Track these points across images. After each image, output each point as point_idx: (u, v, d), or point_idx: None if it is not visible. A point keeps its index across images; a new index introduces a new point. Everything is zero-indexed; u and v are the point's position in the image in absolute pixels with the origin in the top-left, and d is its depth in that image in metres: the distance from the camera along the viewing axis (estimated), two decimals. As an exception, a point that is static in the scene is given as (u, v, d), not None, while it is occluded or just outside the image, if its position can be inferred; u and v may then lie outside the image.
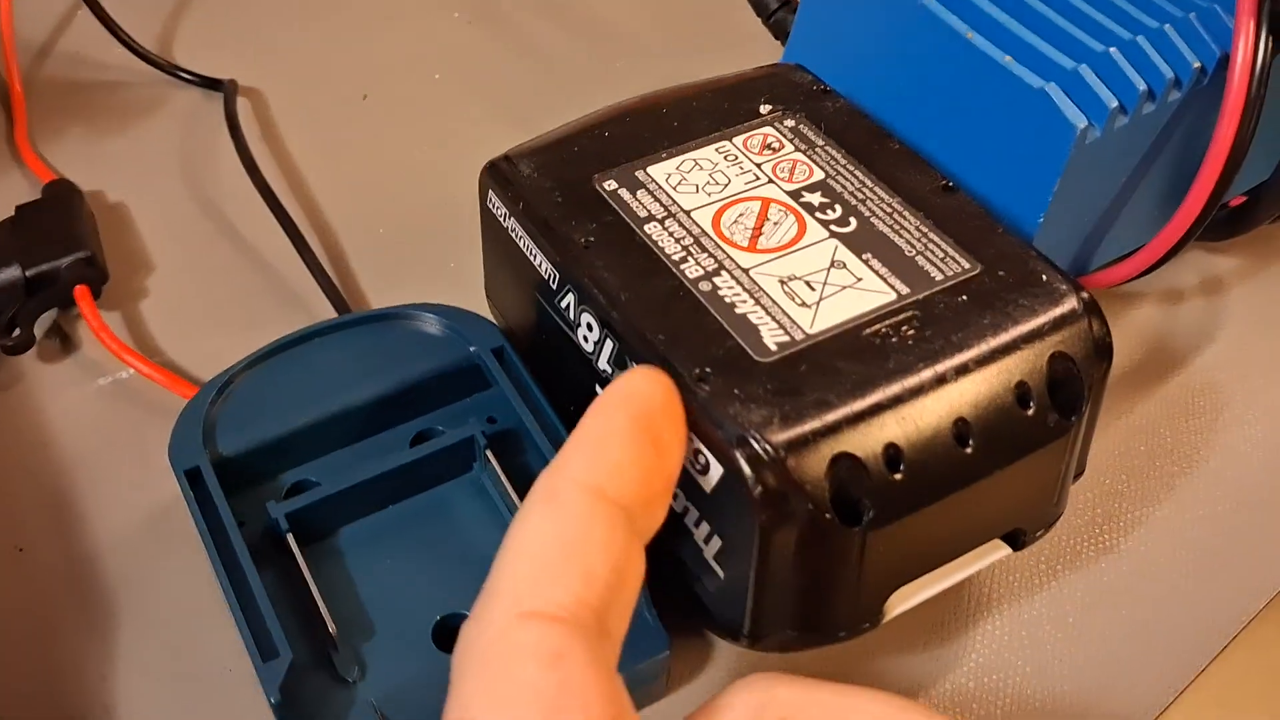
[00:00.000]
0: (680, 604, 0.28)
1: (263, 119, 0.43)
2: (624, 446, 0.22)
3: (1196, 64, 0.32)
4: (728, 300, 0.26)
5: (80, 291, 0.36)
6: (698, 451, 0.25)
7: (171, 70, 0.44)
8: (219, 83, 0.44)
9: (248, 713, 0.29)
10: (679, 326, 0.26)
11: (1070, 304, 0.26)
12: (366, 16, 0.48)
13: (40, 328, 0.37)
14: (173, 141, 0.42)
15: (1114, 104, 0.31)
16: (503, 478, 0.29)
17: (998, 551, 0.28)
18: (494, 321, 0.33)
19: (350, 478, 0.29)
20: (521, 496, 0.29)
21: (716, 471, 0.25)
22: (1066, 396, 0.26)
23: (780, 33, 0.41)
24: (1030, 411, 0.26)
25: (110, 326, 0.36)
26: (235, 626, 0.30)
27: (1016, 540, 0.28)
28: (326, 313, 0.37)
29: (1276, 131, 0.34)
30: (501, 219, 0.31)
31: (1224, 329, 0.38)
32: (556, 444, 0.30)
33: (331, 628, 0.27)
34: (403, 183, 0.42)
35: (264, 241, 0.39)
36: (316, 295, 0.37)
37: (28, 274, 0.36)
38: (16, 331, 0.35)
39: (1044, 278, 0.27)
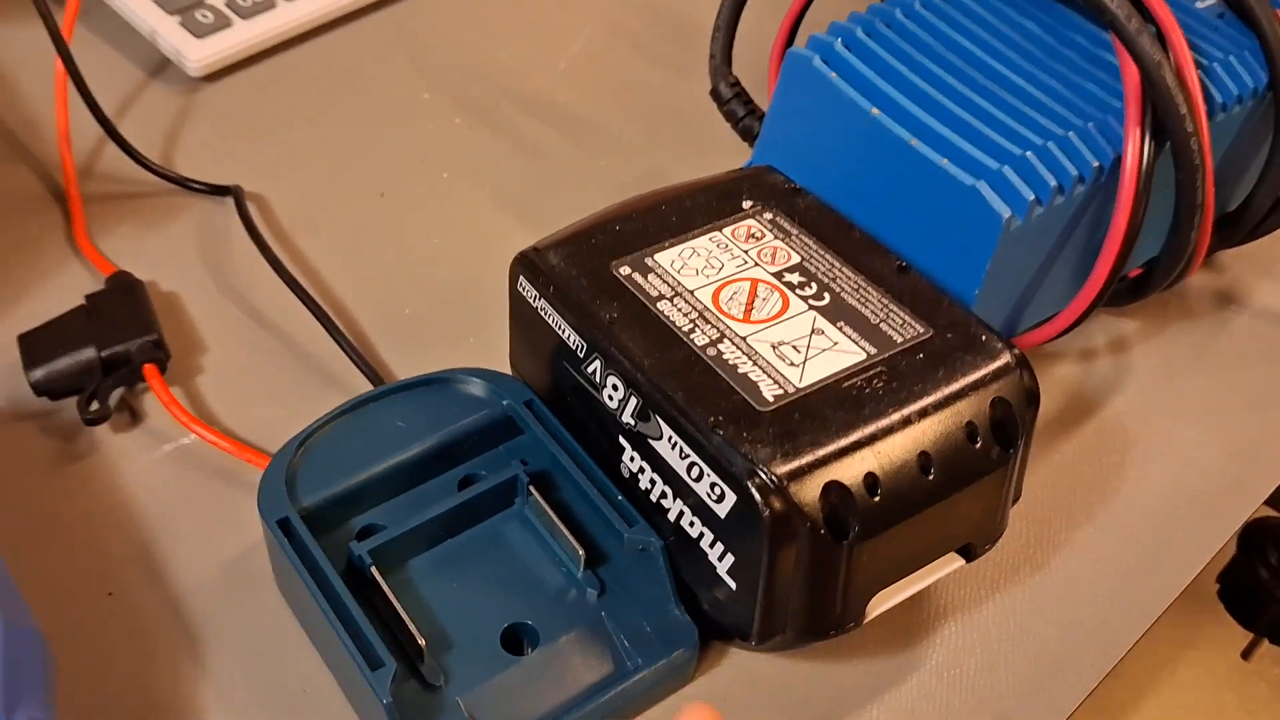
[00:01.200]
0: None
1: (287, 218, 0.49)
2: None
3: (1096, 164, 0.39)
4: (731, 362, 0.33)
5: (150, 369, 0.41)
6: (714, 484, 0.31)
7: (183, 182, 0.49)
8: (227, 189, 0.49)
9: (327, 724, 0.34)
10: (694, 385, 0.32)
11: (1006, 359, 0.33)
12: (376, 123, 0.53)
13: (112, 401, 0.41)
14: (202, 240, 0.48)
15: (1032, 197, 0.38)
16: (546, 507, 0.35)
17: (955, 562, 0.34)
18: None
19: (415, 518, 0.35)
20: (564, 522, 0.35)
21: (730, 499, 0.31)
22: (1005, 433, 0.33)
23: (748, 136, 0.48)
24: (978, 445, 0.32)
25: (176, 399, 0.41)
26: (317, 651, 0.35)
27: (969, 553, 0.34)
28: (361, 385, 0.42)
29: (1164, 215, 0.41)
30: (531, 300, 0.37)
31: (1130, 380, 0.45)
32: (589, 477, 0.35)
33: (420, 640, 0.32)
34: (423, 269, 0.47)
35: (300, 325, 0.44)
36: (351, 370, 0.43)
37: (103, 355, 0.41)
38: (95, 405, 0.40)
39: (984, 339, 0.34)
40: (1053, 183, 0.38)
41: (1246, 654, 0.78)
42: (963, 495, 0.32)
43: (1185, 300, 0.49)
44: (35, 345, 0.41)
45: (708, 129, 0.51)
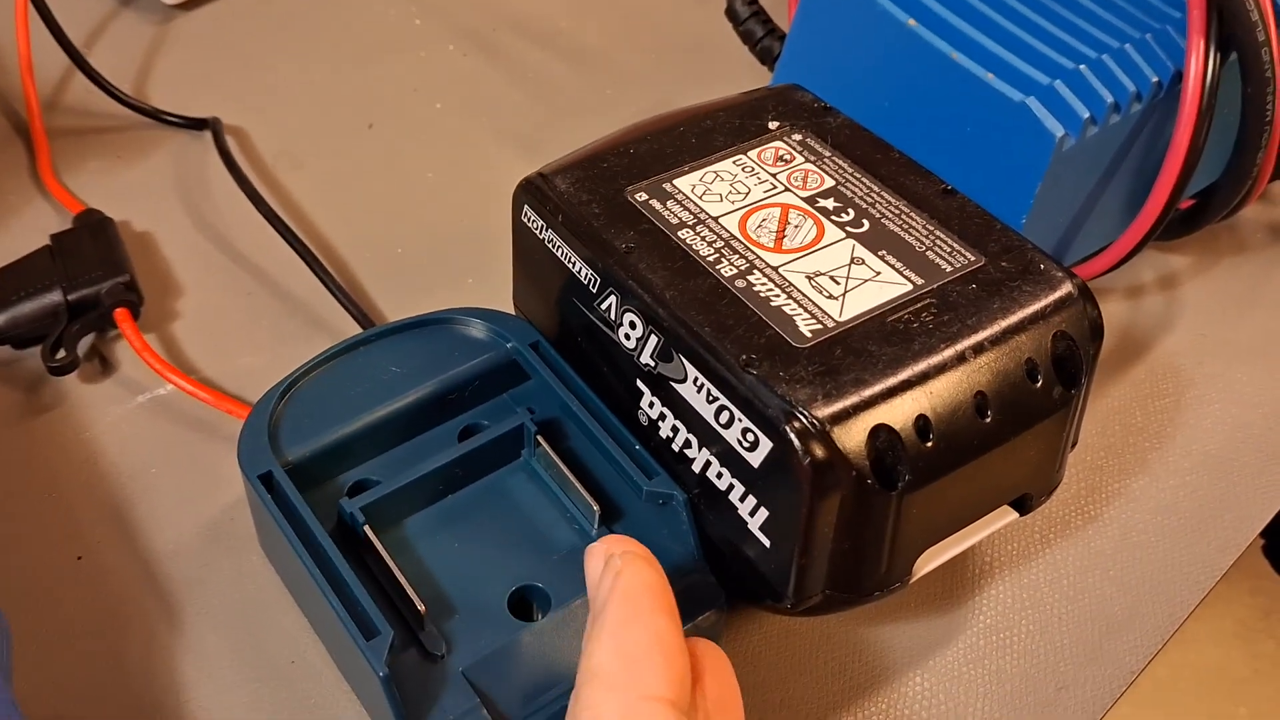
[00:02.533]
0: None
1: (270, 152, 0.45)
2: (680, 651, 0.24)
3: (1155, 78, 0.36)
4: (763, 295, 0.29)
5: (121, 314, 0.38)
6: (746, 430, 0.28)
7: (156, 115, 0.46)
8: (205, 122, 0.45)
9: (314, 701, 0.31)
10: (722, 319, 0.29)
11: (1067, 289, 0.30)
12: (364, 51, 0.50)
13: (81, 349, 0.38)
14: (178, 176, 0.44)
15: (1086, 115, 0.34)
16: (556, 459, 0.32)
17: (1008, 516, 0.31)
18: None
19: (412, 472, 0.31)
20: (576, 475, 0.32)
21: (765, 446, 0.27)
22: (1068, 371, 0.29)
23: (767, 58, 0.44)
24: (1039, 384, 0.29)
25: (150, 346, 0.37)
26: (305, 619, 0.32)
27: (1024, 505, 0.31)
28: (350, 328, 0.39)
29: (1224, 138, 0.37)
30: (538, 231, 0.33)
31: (1181, 320, 0.42)
32: (603, 424, 0.32)
33: (420, 606, 0.29)
34: (416, 205, 0.44)
35: (284, 266, 0.41)
36: (339, 313, 0.39)
37: (70, 298, 0.38)
38: (61, 353, 0.37)
39: (1042, 267, 0.30)
40: (1109, 99, 0.35)
41: None
42: (1022, 440, 0.29)
43: (1237, 234, 0.45)
44: (-5, 288, 0.38)
45: (722, 55, 0.48)
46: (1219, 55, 0.35)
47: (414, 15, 0.51)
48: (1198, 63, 0.35)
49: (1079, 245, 0.39)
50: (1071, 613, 0.34)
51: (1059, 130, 0.34)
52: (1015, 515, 0.31)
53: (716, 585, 0.31)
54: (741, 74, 0.45)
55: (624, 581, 0.25)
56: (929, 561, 0.29)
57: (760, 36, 0.44)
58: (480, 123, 0.47)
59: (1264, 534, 0.68)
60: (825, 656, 0.32)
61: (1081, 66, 0.35)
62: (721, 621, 0.31)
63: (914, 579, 0.29)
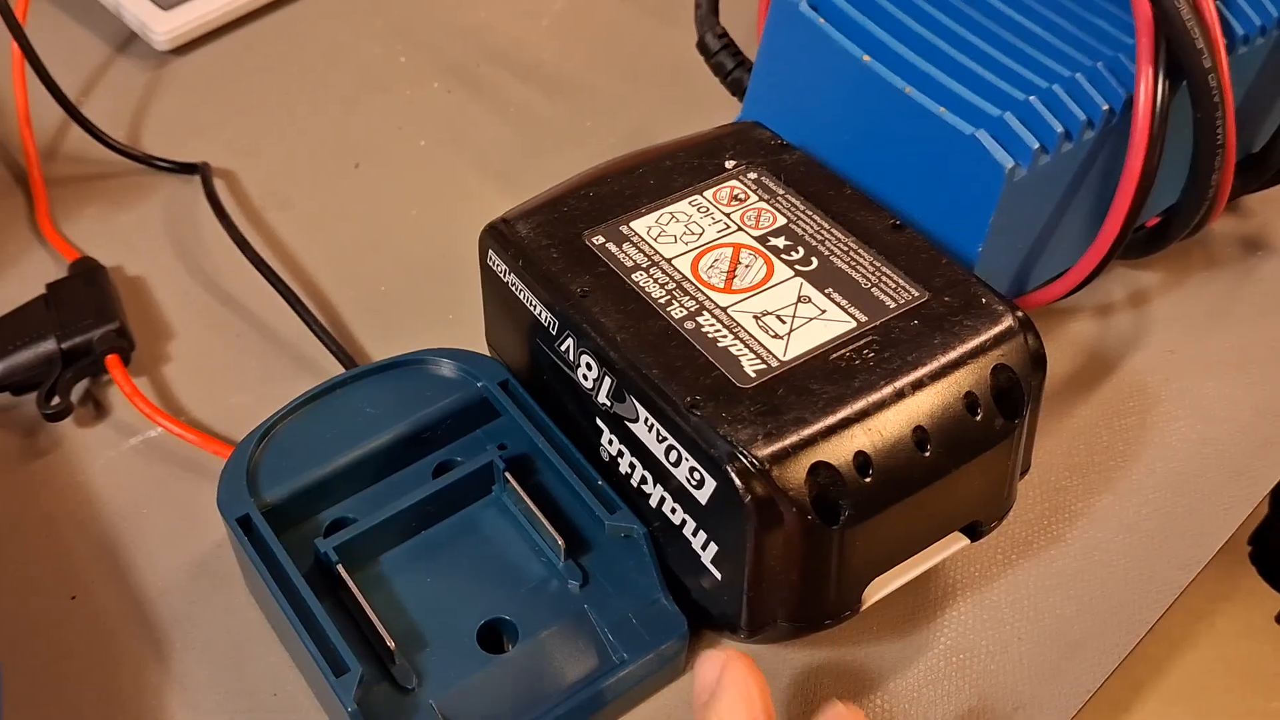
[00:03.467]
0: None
1: (258, 193, 0.47)
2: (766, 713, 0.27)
3: (1105, 106, 0.36)
4: (710, 336, 0.30)
5: (112, 360, 0.39)
6: (693, 469, 0.29)
7: (148, 160, 0.47)
8: (195, 166, 0.47)
9: (299, 730, 0.32)
10: (670, 361, 0.30)
11: (1008, 322, 0.31)
12: (351, 91, 0.51)
13: (74, 395, 0.40)
14: (169, 221, 0.46)
15: (1036, 145, 0.35)
16: (523, 495, 0.33)
17: (958, 543, 0.31)
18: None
19: (385, 511, 0.33)
20: (543, 509, 0.33)
21: (710, 485, 0.28)
22: (1009, 402, 0.30)
23: (737, 90, 0.45)
24: (979, 417, 0.30)
25: (141, 390, 0.39)
26: (288, 654, 0.33)
27: (974, 531, 0.32)
28: (335, 368, 0.40)
29: (1181, 159, 0.38)
30: (502, 275, 0.34)
31: (1150, 336, 0.43)
32: (568, 461, 0.33)
33: (390, 642, 0.30)
34: (400, 243, 0.45)
35: (270, 308, 0.42)
36: (325, 353, 0.41)
37: (63, 346, 0.39)
38: (55, 400, 0.38)
39: (984, 300, 0.31)
40: (1059, 129, 0.35)
41: None
42: (965, 471, 0.30)
43: (1208, 248, 0.46)
44: (-7, 338, 0.40)
45: (699, 84, 0.48)
46: (1168, 82, 0.36)
47: (400, 53, 0.53)
48: (1147, 90, 0.36)
49: (1041, 268, 0.40)
50: (1031, 633, 0.35)
51: (1009, 161, 0.35)
52: (966, 542, 0.32)
53: (679, 614, 0.32)
54: (717, 101, 0.46)
55: (734, 666, 0.28)
56: (879, 590, 0.30)
57: (730, 69, 0.45)
58: (464, 158, 0.48)
59: (1250, 541, 0.68)
60: (786, 679, 0.33)
61: (1031, 97, 0.36)
62: (684, 648, 0.32)
63: (865, 606, 0.30)
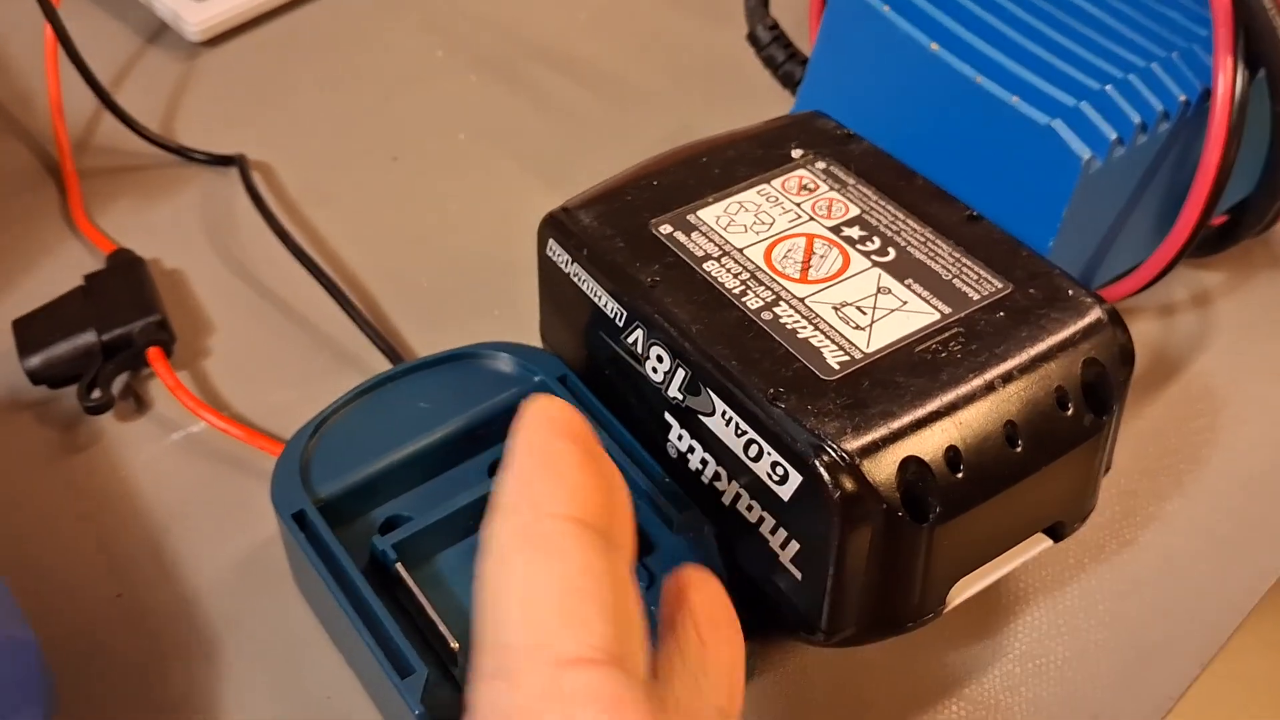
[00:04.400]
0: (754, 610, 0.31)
1: (295, 186, 0.46)
2: (577, 468, 0.22)
3: (1182, 97, 0.35)
4: (789, 327, 0.29)
5: (154, 353, 0.38)
6: (775, 463, 0.28)
7: (183, 152, 0.46)
8: (231, 159, 0.46)
9: (354, 735, 0.31)
10: (748, 352, 0.29)
11: (1096, 314, 0.29)
12: (387, 84, 0.50)
13: (115, 388, 0.38)
14: (206, 213, 0.45)
15: (1113, 136, 0.34)
16: None
17: (1041, 544, 0.30)
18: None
19: (443, 509, 0.32)
20: None
21: (795, 480, 0.27)
22: (1099, 398, 0.29)
23: (789, 83, 0.44)
24: (1069, 412, 0.29)
25: (183, 384, 0.38)
26: (341, 655, 0.32)
27: (1057, 532, 0.30)
28: (379, 364, 0.39)
29: (1254, 153, 0.37)
30: (563, 265, 0.33)
31: (1216, 338, 0.42)
32: (632, 458, 0.32)
33: (453, 643, 0.29)
34: (441, 237, 0.44)
35: (312, 302, 0.41)
36: (368, 348, 0.40)
37: (103, 338, 0.38)
38: (96, 393, 0.37)
39: (1070, 293, 0.30)
40: (1136, 119, 0.35)
41: None
42: (1054, 468, 0.28)
43: (1272, 249, 0.45)
44: (31, 330, 0.38)
45: (744, 79, 0.48)
46: (1247, 72, 0.35)
47: (436, 46, 0.52)
48: (1226, 80, 0.35)
49: (1108, 266, 0.39)
50: (1107, 639, 0.33)
51: (1086, 153, 0.34)
52: (1049, 543, 0.31)
53: (745, 618, 0.31)
54: (763, 97, 0.45)
55: (524, 415, 0.23)
56: (962, 591, 0.29)
57: (782, 61, 0.44)
58: (503, 152, 0.47)
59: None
60: (860, 687, 0.32)
61: (1107, 87, 0.35)
62: (753, 654, 0.31)
63: (948, 609, 0.29)
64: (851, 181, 0.34)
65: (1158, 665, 0.33)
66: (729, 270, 0.31)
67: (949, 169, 0.36)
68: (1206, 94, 0.35)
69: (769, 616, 0.31)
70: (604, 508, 0.22)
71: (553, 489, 0.21)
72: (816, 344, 0.29)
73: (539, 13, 0.54)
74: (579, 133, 0.48)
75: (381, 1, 0.54)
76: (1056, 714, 0.32)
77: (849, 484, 0.26)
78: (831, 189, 0.34)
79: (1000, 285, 0.30)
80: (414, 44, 0.52)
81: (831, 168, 0.34)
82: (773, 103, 0.44)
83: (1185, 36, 0.37)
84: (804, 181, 0.34)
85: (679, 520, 0.31)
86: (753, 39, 0.45)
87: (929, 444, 0.27)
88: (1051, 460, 0.28)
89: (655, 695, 0.20)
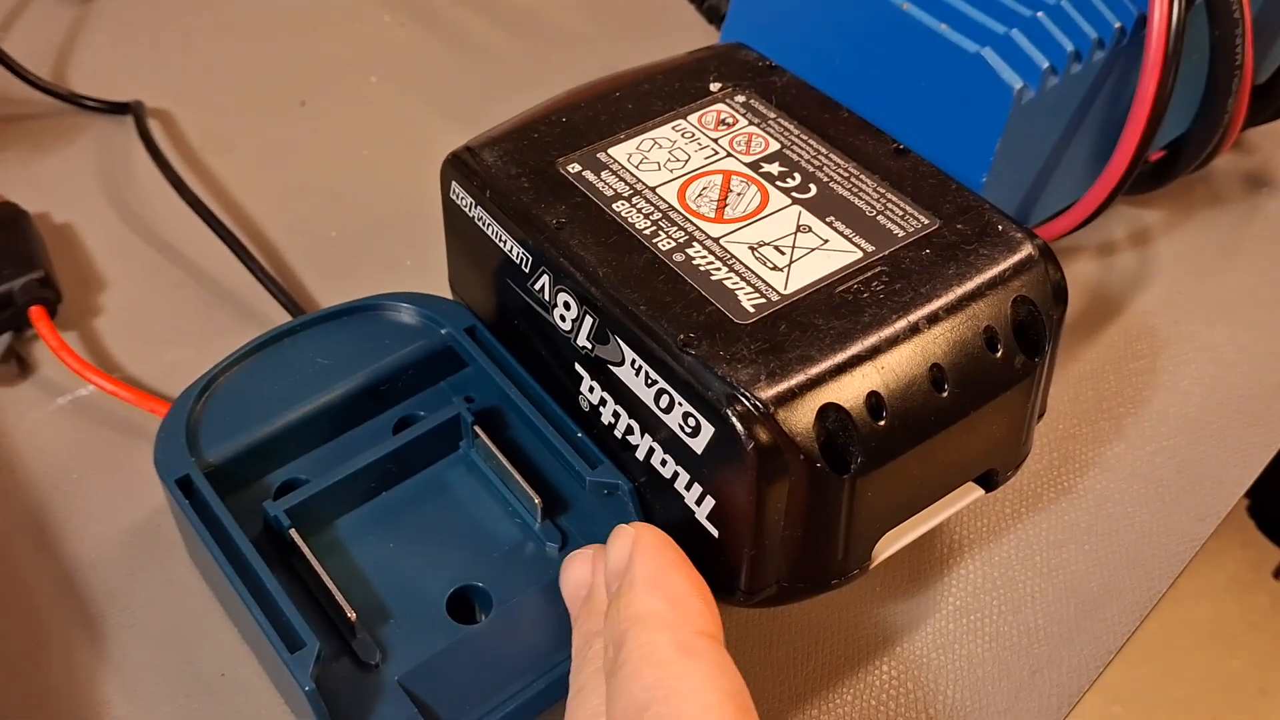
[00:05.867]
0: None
1: (196, 134, 0.43)
2: (705, 591, 0.25)
3: (1117, 24, 0.34)
4: (702, 269, 0.27)
5: (37, 312, 0.36)
6: (687, 414, 0.26)
7: (75, 100, 0.43)
8: (126, 106, 0.43)
9: (246, 715, 0.29)
10: (659, 296, 0.27)
11: (1028, 250, 0.28)
12: (294, 25, 0.47)
13: (-4, 351, 0.36)
14: (100, 164, 0.42)
15: (1045, 65, 0.32)
16: (495, 450, 0.30)
17: (972, 493, 0.29)
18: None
19: (341, 470, 0.30)
20: (517, 466, 0.30)
21: (707, 432, 0.25)
22: (1030, 338, 0.28)
23: (714, 17, 0.42)
24: (999, 354, 0.27)
25: (69, 345, 0.35)
26: (236, 629, 0.30)
27: (989, 481, 0.29)
28: (282, 318, 0.37)
29: (1190, 86, 0.35)
30: (467, 209, 0.31)
31: (1156, 277, 0.40)
32: (543, 412, 0.30)
33: (350, 614, 0.27)
34: (351, 185, 0.42)
35: (212, 255, 0.39)
36: (271, 303, 0.37)
37: (-19, 298, 0.35)
38: (-27, 356, 0.35)
39: (1000, 228, 0.28)
40: (1069, 47, 0.33)
41: (1278, 572, 0.74)
42: (983, 413, 0.27)
43: (1211, 185, 0.43)
44: (-99, 290, 0.36)
45: (669, 15, 0.46)
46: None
47: (348, -15, 0.49)
48: (1162, 6, 0.33)
49: (1045, 203, 0.37)
50: (1045, 590, 0.32)
51: (1017, 82, 0.32)
52: (981, 492, 0.29)
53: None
54: (689, 33, 0.43)
55: (647, 539, 0.25)
56: (889, 545, 0.28)
57: (707, -6, 0.42)
58: (418, 96, 0.45)
59: (1249, 494, 0.66)
60: (787, 647, 0.31)
61: (1039, 14, 0.33)
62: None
63: (874, 564, 0.28)
64: (772, 115, 0.32)
65: (1099, 615, 0.32)
66: (640, 210, 0.29)
67: (878, 102, 0.35)
68: (1143, 21, 0.34)
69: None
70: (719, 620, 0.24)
71: (706, 613, 0.24)
72: (731, 286, 0.27)
73: (456, -50, 0.51)
74: (497, 74, 0.46)
75: (289, -61, 0.51)
76: (992, 670, 0.30)
77: (764, 434, 0.24)
78: (751, 123, 0.32)
79: (927, 221, 0.28)
80: (324, -17, 0.49)
81: (752, 101, 0.32)
82: (698, 39, 0.42)
83: (1122, -40, 0.35)
84: (722, 116, 0.32)
85: (591, 478, 0.29)
86: (675, -28, 0.42)
87: (849, 390, 0.25)
88: (981, 405, 0.27)
89: None
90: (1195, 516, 0.34)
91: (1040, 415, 0.30)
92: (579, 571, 0.27)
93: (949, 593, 0.32)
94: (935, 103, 0.34)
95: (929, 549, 0.33)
